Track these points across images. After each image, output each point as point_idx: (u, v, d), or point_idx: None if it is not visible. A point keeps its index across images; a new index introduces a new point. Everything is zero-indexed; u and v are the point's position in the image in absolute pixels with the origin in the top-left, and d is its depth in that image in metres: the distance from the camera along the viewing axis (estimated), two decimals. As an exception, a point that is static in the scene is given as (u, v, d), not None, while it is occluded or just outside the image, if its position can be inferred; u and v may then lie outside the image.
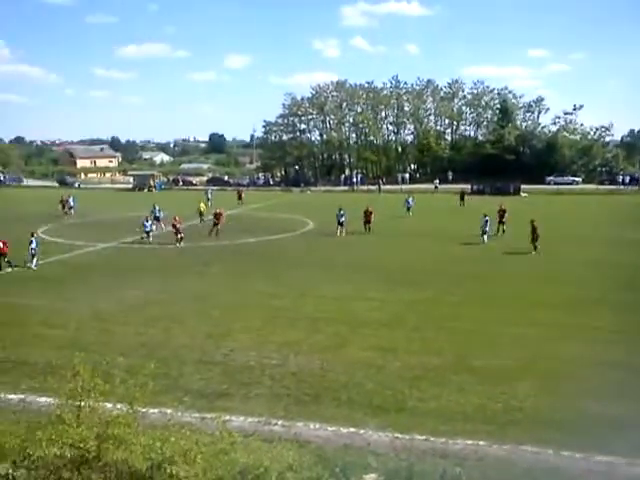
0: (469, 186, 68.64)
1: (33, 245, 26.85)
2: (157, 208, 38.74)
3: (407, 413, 11.83)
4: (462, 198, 52.10)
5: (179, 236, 32.97)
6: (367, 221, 36.59)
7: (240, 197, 56.79)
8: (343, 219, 35.29)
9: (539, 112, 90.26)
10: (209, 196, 53.63)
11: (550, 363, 14.35)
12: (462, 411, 11.81)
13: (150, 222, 34.59)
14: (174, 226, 33.24)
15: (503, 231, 34.34)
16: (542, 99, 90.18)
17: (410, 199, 46.58)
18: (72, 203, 49.15)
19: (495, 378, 13.47)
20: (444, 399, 12.39)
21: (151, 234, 34.02)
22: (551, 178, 75.55)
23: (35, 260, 26.70)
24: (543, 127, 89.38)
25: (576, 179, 76.91)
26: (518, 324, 17.48)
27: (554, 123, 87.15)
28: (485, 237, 32.12)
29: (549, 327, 17.04)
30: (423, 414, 11.76)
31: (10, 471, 6.87)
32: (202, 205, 42.79)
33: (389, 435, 10.89)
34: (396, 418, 11.57)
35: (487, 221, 32.30)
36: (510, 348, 15.46)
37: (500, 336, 16.43)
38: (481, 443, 10.56)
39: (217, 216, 35.75)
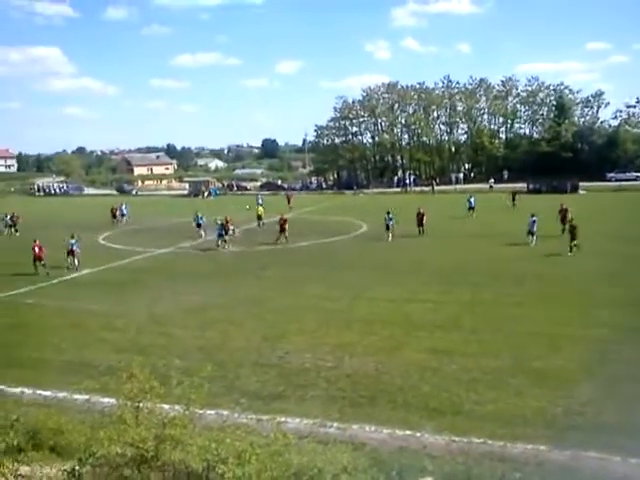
0: (525, 185, 67.20)
1: (74, 247, 28.09)
2: (199, 215, 38.60)
3: (464, 416, 11.64)
4: (513, 198, 50.33)
5: (226, 238, 33.27)
6: (420, 223, 35.92)
7: (289, 201, 55.94)
8: (391, 222, 34.51)
9: (598, 107, 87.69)
10: (260, 201, 52.80)
11: (613, 366, 13.86)
12: (521, 414, 11.53)
13: (221, 225, 33.87)
14: (225, 227, 33.59)
15: (564, 231, 32.20)
16: (601, 93, 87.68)
17: (472, 199, 45.23)
18: (124, 211, 50.24)
19: (555, 381, 13.11)
20: (502, 402, 12.13)
21: (226, 238, 33.61)
22: (612, 174, 72.86)
23: (77, 262, 27.87)
24: (603, 122, 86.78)
25: (640, 174, 74.08)
26: (579, 325, 16.98)
27: (615, 117, 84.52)
28: (533, 238, 30.69)
29: (611, 329, 16.48)
30: (480, 417, 11.54)
31: (76, 467, 7.13)
32: (260, 209, 43.42)
33: (445, 438, 10.74)
34: (453, 421, 11.41)
35: (534, 221, 30.94)
36: (571, 350, 15.02)
37: (560, 338, 15.98)
38: (541, 448, 10.27)
39: (282, 222, 35.14)
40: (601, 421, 11.11)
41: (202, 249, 33.75)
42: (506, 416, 11.51)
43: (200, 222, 38.23)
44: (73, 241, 29.32)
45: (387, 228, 34.41)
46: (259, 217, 42.21)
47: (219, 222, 34.12)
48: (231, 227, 34.95)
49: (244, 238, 35.40)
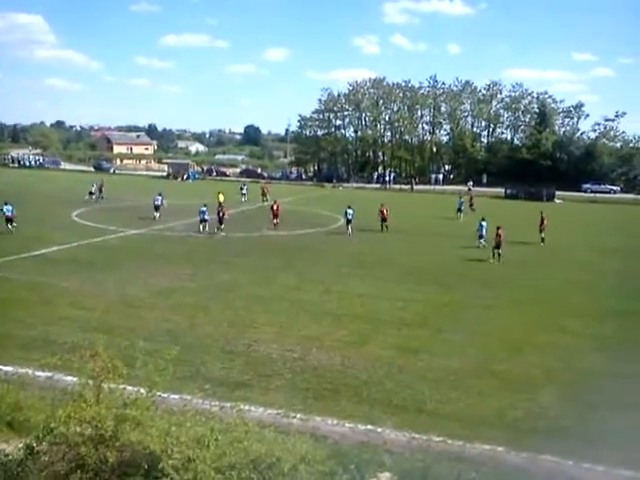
0: (503, 190, 68.00)
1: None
2: (160, 197, 38.26)
3: (425, 414, 11.79)
4: (471, 204, 47.93)
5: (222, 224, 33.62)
6: (383, 219, 36.57)
7: (264, 194, 50.48)
8: (351, 217, 34.97)
9: (578, 118, 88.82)
10: (244, 191, 51.53)
11: (576, 373, 14.13)
12: (481, 416, 11.72)
13: (206, 209, 33.90)
14: (220, 214, 33.80)
15: (543, 240, 33.21)
16: (582, 105, 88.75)
17: (462, 200, 45.68)
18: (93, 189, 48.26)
19: (517, 385, 13.34)
20: (464, 402, 12.31)
21: (207, 224, 33.71)
22: (588, 186, 74.19)
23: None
24: (582, 133, 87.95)
25: (614, 188, 75.41)
26: (545, 331, 17.26)
27: (594, 130, 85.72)
28: (482, 241, 31.02)
29: (577, 336, 16.79)
30: (442, 416, 11.70)
31: (34, 444, 7.06)
32: (221, 196, 41.88)
33: (406, 435, 10.86)
34: (414, 418, 11.54)
35: (482, 226, 31.35)
36: (535, 355, 15.28)
37: (525, 343, 16.24)
38: (499, 449, 10.46)
39: (276, 208, 36.08)
40: (558, 425, 11.34)
41: (176, 232, 33.50)
42: (467, 416, 11.69)
43: (158, 204, 37.59)
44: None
45: (348, 222, 34.99)
46: (220, 204, 39.15)
47: (203, 208, 33.86)
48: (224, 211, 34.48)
49: (212, 225, 35.17)
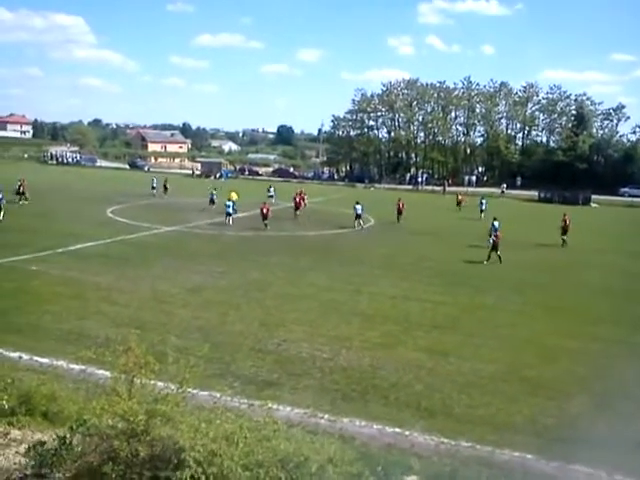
0: (536, 193, 67.01)
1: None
2: (214, 193, 41.80)
3: (454, 418, 11.68)
4: (399, 212, 42.12)
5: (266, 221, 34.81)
6: (399, 212, 40.10)
7: (303, 199, 44.42)
8: (360, 212, 37.14)
9: (618, 120, 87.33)
10: (272, 193, 49.19)
11: (607, 381, 13.84)
12: (511, 422, 11.56)
13: (231, 203, 36.55)
14: (262, 211, 34.96)
15: (564, 242, 33.35)
16: (623, 107, 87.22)
17: (484, 200, 46.64)
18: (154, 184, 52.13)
19: (548, 391, 13.13)
20: (494, 408, 12.15)
21: (233, 217, 36.22)
22: (625, 189, 72.58)
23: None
24: (621, 136, 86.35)
25: (654, 192, 73.65)
26: (576, 337, 16.97)
27: (634, 132, 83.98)
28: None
29: (608, 343, 16.47)
30: (471, 421, 11.57)
31: (67, 435, 7.20)
32: (233, 194, 40.51)
33: (434, 439, 10.77)
34: (443, 422, 11.44)
35: (494, 226, 30.95)
36: (566, 361, 15.03)
37: (556, 348, 15.99)
38: (528, 456, 10.30)
39: (265, 211, 35.34)
40: (590, 434, 11.09)
41: (209, 230, 33.84)
42: (496, 422, 11.53)
43: (213, 198, 40.90)
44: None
45: (357, 217, 37.17)
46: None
47: (228, 202, 36.47)
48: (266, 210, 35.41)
49: (246, 224, 35.51)
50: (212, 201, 41.38)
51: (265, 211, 35.28)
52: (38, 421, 8.94)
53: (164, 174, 67.40)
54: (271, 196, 48.43)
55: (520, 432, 11.15)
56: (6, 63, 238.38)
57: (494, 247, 27.52)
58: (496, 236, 27.61)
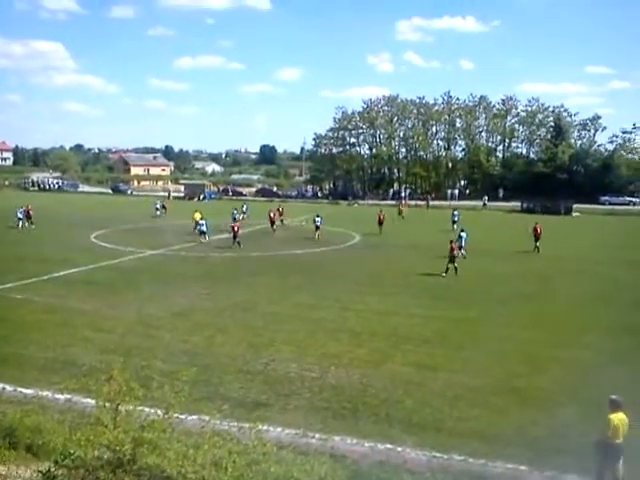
0: (519, 204, 67.58)
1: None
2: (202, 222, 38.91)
3: (446, 432, 11.63)
4: (399, 213, 55.14)
5: (237, 240, 35.25)
6: (380, 222, 43.31)
7: (281, 214, 48.83)
8: (319, 224, 40.02)
9: (595, 130, 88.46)
10: (244, 209, 50.92)
11: (598, 390, 13.83)
12: (503, 434, 11.53)
13: (204, 222, 37.86)
14: (234, 230, 35.58)
15: (538, 249, 34.69)
16: (599, 117, 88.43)
17: (456, 212, 48.46)
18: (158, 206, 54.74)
19: (539, 401, 13.14)
20: (484, 420, 12.13)
21: (206, 235, 37.25)
22: (606, 198, 73.57)
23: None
24: (599, 146, 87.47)
25: (634, 200, 74.59)
26: (564, 346, 17.03)
27: (611, 142, 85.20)
28: (462, 252, 31.37)
29: (597, 352, 16.53)
30: (462, 434, 11.53)
31: (52, 469, 7.05)
32: (197, 214, 41.50)
33: (426, 454, 10.72)
34: (434, 437, 11.39)
35: (462, 237, 32.79)
36: (555, 371, 15.05)
37: (545, 358, 16.02)
38: (522, 468, 10.28)
39: (236, 229, 36.00)
40: (582, 444, 11.04)
41: (193, 252, 33.68)
42: (488, 434, 11.51)
43: (203, 229, 38.07)
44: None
45: (316, 228, 39.93)
46: (196, 223, 39.99)
47: (201, 221, 38.33)
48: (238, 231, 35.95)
49: (230, 245, 35.46)
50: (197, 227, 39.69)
51: (235, 229, 35.75)
52: (23, 455, 8.76)
53: (160, 197, 68.16)
54: (244, 212, 50.08)
55: (512, 444, 11.12)
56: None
57: (451, 259, 27.63)
58: (452, 248, 27.73)
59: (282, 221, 48.46)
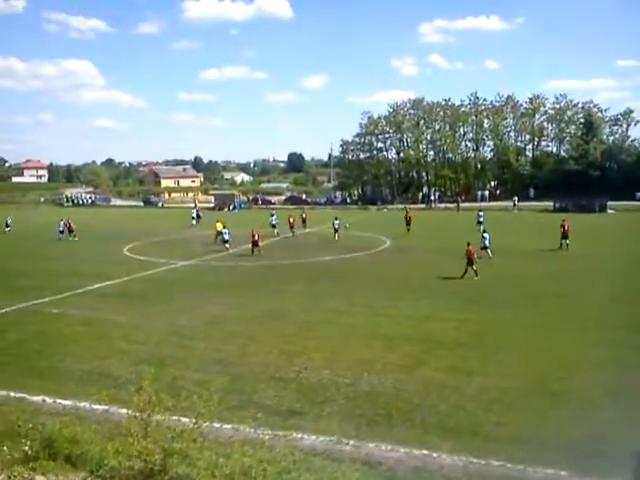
0: (551, 203, 66.49)
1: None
2: (225, 230, 38.90)
3: (482, 437, 11.42)
4: (408, 223, 46.84)
5: (257, 248, 35.41)
6: (408, 223, 45.88)
7: (304, 221, 50.46)
8: (337, 226, 43.19)
9: (628, 125, 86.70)
10: (273, 222, 46.74)
11: (637, 390, 13.51)
12: (540, 437, 11.29)
13: (227, 231, 38.28)
14: (253, 238, 35.38)
15: (567, 246, 34.79)
16: (631, 111, 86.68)
17: (481, 213, 48.82)
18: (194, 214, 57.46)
19: (577, 403, 12.85)
20: (521, 424, 11.90)
21: (229, 244, 37.40)
22: (641, 194, 71.89)
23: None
24: (632, 140, 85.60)
25: (671, 194, 72.69)
26: (600, 346, 16.66)
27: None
28: (488, 251, 32.18)
29: (634, 350, 16.14)
30: (499, 439, 11.32)
31: (88, 478, 7.15)
32: (219, 224, 41.71)
33: (463, 459, 10.55)
34: (470, 442, 11.19)
35: (485, 237, 32.75)
36: (592, 372, 14.72)
37: (581, 359, 15.69)
38: (562, 473, 10.03)
39: (257, 238, 35.76)
40: (623, 448, 10.77)
41: (224, 262, 33.93)
42: (525, 438, 11.26)
43: (226, 237, 38.19)
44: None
45: (335, 231, 42.87)
46: (218, 232, 40.38)
47: (224, 230, 38.68)
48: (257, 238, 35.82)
49: (265, 253, 35.63)
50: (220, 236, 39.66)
51: (256, 238, 35.58)
52: (61, 465, 8.89)
53: (193, 207, 69.51)
54: (274, 225, 46.75)
55: (551, 448, 10.87)
56: (21, 111, 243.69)
57: (469, 262, 27.25)
58: (468, 251, 27.34)
59: (305, 227, 50.00)
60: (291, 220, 46.25)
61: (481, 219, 46.43)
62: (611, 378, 14.23)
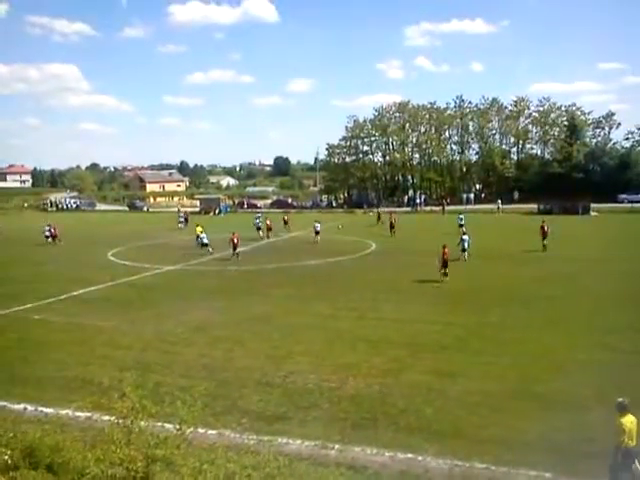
0: (536, 206, 66.95)
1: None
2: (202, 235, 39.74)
3: (467, 440, 11.47)
4: (378, 217, 57.15)
5: (236, 251, 35.40)
6: (391, 226, 46.61)
7: (286, 222, 52.52)
8: (319, 229, 43.73)
9: (610, 128, 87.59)
10: (259, 224, 48.23)
11: (621, 392, 13.56)
12: (525, 440, 11.36)
13: (204, 235, 39.05)
14: (232, 241, 35.36)
15: (544, 247, 35.59)
16: (613, 114, 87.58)
17: (461, 215, 49.77)
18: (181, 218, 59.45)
19: (561, 406, 12.93)
20: (505, 426, 11.96)
21: (209, 247, 38.02)
22: (624, 196, 72.48)
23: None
24: (615, 143, 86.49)
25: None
26: (585, 348, 16.79)
27: (627, 138, 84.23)
28: (465, 254, 32.70)
29: (617, 352, 16.28)
30: (483, 441, 11.37)
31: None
32: (198, 228, 41.97)
33: (448, 462, 10.59)
34: (455, 445, 11.24)
35: (464, 240, 33.08)
36: (576, 374, 14.82)
37: (565, 361, 15.80)
38: (547, 475, 10.09)
39: (236, 241, 35.86)
40: (608, 449, 10.81)
41: (209, 267, 33.80)
42: (509, 441, 11.34)
43: (205, 241, 38.85)
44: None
45: (316, 233, 43.51)
46: (197, 237, 40.68)
47: (202, 234, 39.31)
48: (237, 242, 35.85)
49: (250, 257, 35.56)
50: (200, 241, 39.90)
51: (235, 241, 35.60)
52: (42, 474, 8.78)
53: (180, 211, 69.43)
54: (259, 228, 47.93)
55: (535, 450, 10.95)
56: (5, 115, 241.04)
57: (444, 264, 27.41)
58: (444, 253, 27.51)
59: (289, 231, 51.22)
60: (268, 222, 48.37)
61: (462, 222, 46.73)
62: (595, 380, 14.30)
